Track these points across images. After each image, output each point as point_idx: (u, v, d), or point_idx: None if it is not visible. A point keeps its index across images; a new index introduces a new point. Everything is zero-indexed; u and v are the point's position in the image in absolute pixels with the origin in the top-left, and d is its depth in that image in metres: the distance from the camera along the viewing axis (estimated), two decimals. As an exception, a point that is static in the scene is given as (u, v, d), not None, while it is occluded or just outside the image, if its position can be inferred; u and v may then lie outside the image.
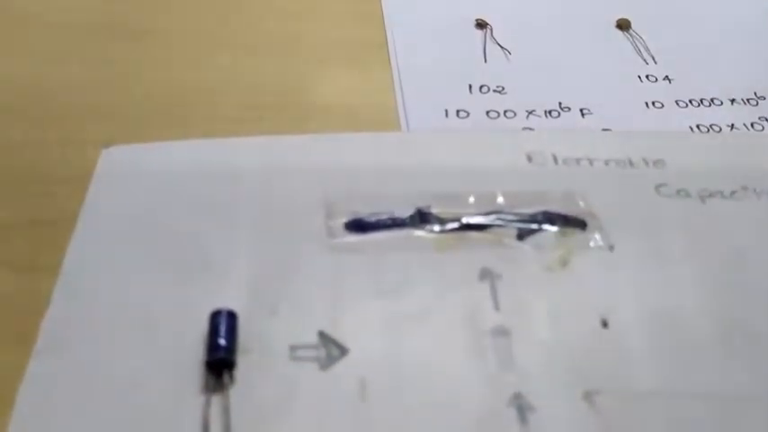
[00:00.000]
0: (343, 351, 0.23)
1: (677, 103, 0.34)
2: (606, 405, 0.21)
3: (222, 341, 0.22)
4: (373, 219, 0.26)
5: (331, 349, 0.23)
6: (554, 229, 0.26)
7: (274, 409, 0.21)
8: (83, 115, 0.32)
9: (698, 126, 0.33)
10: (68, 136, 0.30)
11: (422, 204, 0.27)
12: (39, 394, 0.22)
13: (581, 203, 0.27)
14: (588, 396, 0.22)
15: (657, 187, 0.28)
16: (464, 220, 0.26)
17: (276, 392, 0.22)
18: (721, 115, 0.33)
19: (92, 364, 0.22)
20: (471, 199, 0.27)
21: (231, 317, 0.23)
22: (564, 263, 0.25)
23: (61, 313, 0.24)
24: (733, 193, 0.28)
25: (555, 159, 0.29)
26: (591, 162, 0.29)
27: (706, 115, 0.33)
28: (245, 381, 0.22)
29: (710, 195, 0.28)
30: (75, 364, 0.22)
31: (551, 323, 0.23)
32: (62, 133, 0.31)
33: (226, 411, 0.21)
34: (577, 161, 0.29)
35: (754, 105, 0.35)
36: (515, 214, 0.27)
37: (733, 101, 0.35)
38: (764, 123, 0.34)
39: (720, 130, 0.32)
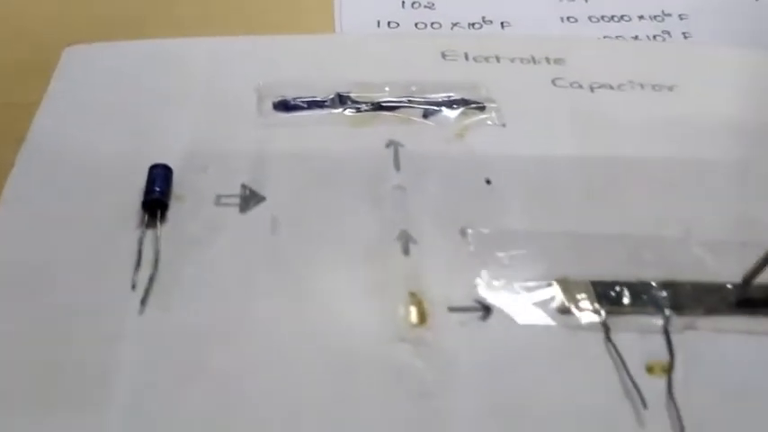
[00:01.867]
0: (260, 199, 0.27)
1: (590, 19, 0.38)
2: (477, 237, 0.26)
3: (157, 188, 0.26)
4: (298, 101, 0.31)
5: (250, 197, 0.27)
6: (456, 110, 0.31)
7: (199, 242, 0.25)
8: (46, 19, 0.35)
9: (605, 37, 0.37)
10: (33, 37, 0.34)
11: (342, 91, 0.31)
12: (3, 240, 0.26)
13: (483, 91, 0.31)
14: (463, 231, 0.26)
15: (554, 80, 0.32)
16: (377, 101, 0.30)
17: (201, 230, 0.26)
18: (628, 29, 0.37)
19: (51, 207, 0.26)
20: (387, 88, 0.31)
21: (167, 169, 0.27)
22: (460, 136, 0.29)
23: (24, 171, 0.28)
24: (620, 85, 0.32)
25: (466, 57, 0.33)
26: (498, 59, 0.33)
27: (614, 29, 0.37)
28: (175, 221, 0.26)
29: (600, 87, 0.32)
30: (37, 210, 0.26)
31: (442, 181, 0.27)
32: (27, 36, 0.35)
33: (157, 242, 0.25)
34: (486, 59, 0.33)
35: (660, 21, 0.38)
36: (424, 99, 0.31)
37: (641, 17, 0.38)
38: (666, 36, 0.37)
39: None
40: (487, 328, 0.23)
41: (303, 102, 0.31)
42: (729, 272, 0.25)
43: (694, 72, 0.33)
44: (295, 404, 0.21)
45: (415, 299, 0.24)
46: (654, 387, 0.22)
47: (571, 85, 0.32)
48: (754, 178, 0.29)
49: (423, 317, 0.23)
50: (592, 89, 0.32)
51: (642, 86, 0.32)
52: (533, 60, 0.33)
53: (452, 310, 0.23)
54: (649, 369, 0.22)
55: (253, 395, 0.22)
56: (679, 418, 0.21)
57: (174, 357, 0.22)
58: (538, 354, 0.23)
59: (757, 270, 0.24)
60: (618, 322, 0.24)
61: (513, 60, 0.33)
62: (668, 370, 0.22)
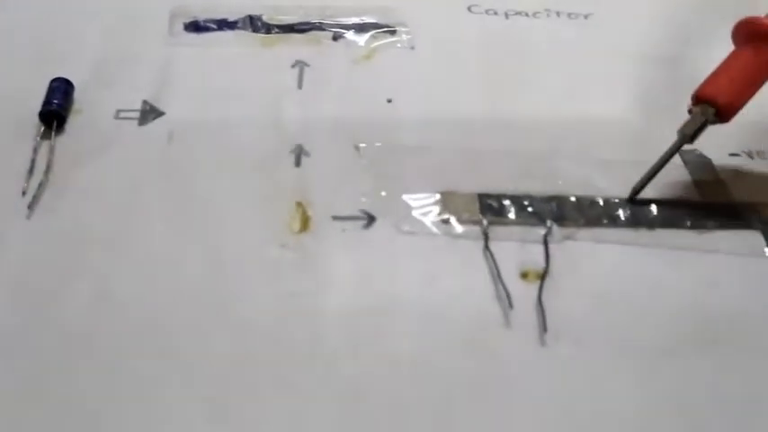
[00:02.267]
0: (159, 113, 0.27)
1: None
2: (369, 152, 0.26)
3: (55, 100, 0.26)
4: (208, 22, 0.31)
5: (149, 111, 0.27)
6: (367, 33, 0.31)
7: (94, 152, 0.26)
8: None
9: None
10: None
11: (255, 13, 0.31)
12: None
13: (396, 16, 0.31)
14: (356, 146, 0.26)
15: (470, 6, 0.32)
16: (289, 23, 0.30)
17: (98, 141, 0.26)
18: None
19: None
20: (301, 10, 0.31)
21: (67, 83, 0.27)
22: (368, 57, 0.30)
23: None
24: (536, 13, 0.32)
25: (385, -18, 0.33)
26: (417, -14, 0.33)
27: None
28: (73, 133, 0.26)
29: (516, 14, 0.32)
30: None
31: (343, 99, 0.28)
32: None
33: (51, 152, 0.25)
34: (405, -15, 0.33)
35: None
36: (335, 22, 0.31)
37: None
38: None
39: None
40: (369, 235, 0.24)
41: (213, 22, 0.31)
42: (617, 188, 0.25)
43: (611, 1, 0.33)
44: (170, 302, 0.22)
45: (301, 208, 0.24)
46: (526, 292, 0.22)
47: (486, 11, 0.32)
48: (653, 103, 0.29)
49: (306, 224, 0.24)
50: (507, 16, 0.32)
51: (558, 14, 0.33)
52: (452, -13, 0.34)
53: (336, 218, 0.24)
54: (524, 275, 0.23)
55: (130, 294, 0.22)
56: (543, 319, 0.22)
57: (57, 259, 0.23)
58: (415, 260, 0.23)
59: (642, 185, 0.25)
60: (501, 232, 0.24)
61: (431, -12, 0.34)
62: (542, 276, 0.23)
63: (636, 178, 0.25)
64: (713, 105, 0.24)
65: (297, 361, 0.21)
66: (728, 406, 0.21)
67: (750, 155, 0.27)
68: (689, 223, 0.25)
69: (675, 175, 0.26)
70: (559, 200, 0.25)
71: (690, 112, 0.24)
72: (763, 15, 0.25)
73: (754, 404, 0.21)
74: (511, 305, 0.22)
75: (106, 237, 0.23)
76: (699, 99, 0.24)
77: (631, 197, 0.25)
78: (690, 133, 0.24)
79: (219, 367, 0.20)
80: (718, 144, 0.27)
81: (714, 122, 0.24)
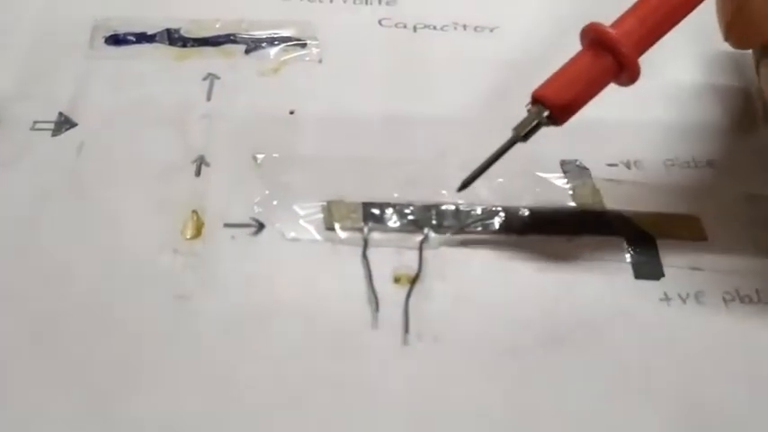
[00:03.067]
0: (72, 124, 0.29)
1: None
2: (266, 162, 0.27)
3: (-28, 111, 0.28)
4: (127, 35, 0.32)
5: (63, 122, 0.29)
6: (277, 47, 0.32)
7: (5, 163, 0.27)
8: None
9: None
10: None
11: (174, 26, 0.33)
12: None
13: (308, 30, 0.33)
14: (255, 156, 0.28)
15: (381, 20, 0.34)
16: (204, 36, 0.32)
17: (11, 152, 0.28)
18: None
19: None
20: (218, 24, 0.33)
21: (-15, 95, 0.29)
22: (276, 70, 0.31)
23: None
24: (444, 26, 0.34)
25: (300, -3, 0.35)
26: (331, 0, 0.35)
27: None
28: (-12, 143, 0.28)
29: (424, 27, 0.34)
30: None
31: (247, 111, 0.29)
32: None
33: (-34, 161, 0.27)
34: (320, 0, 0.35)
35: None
36: (248, 35, 0.32)
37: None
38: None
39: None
40: (256, 242, 0.25)
41: (133, 36, 0.32)
42: (497, 197, 0.27)
43: (518, 15, 0.35)
44: (64, 308, 0.23)
45: (196, 215, 0.26)
46: (396, 295, 0.24)
47: (396, 25, 0.34)
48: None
49: (198, 231, 0.26)
50: (415, 29, 0.34)
51: (465, 27, 0.34)
52: (366, 1, 0.35)
53: (228, 225, 0.26)
54: (396, 279, 0.25)
55: (28, 301, 0.23)
56: (406, 321, 0.24)
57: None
58: (297, 266, 0.25)
59: (472, 179, 0.25)
60: (381, 239, 0.26)
61: (345, 1, 0.35)
62: (413, 281, 0.25)
63: (517, 188, 0.27)
64: (547, 107, 0.24)
65: (176, 362, 0.23)
66: (566, 404, 0.23)
67: (627, 165, 0.29)
68: (559, 230, 0.27)
69: (553, 184, 0.28)
70: (439, 208, 0.27)
71: (527, 109, 0.25)
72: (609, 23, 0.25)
73: (591, 401, 0.23)
74: (377, 308, 0.24)
75: (6, 246, 0.25)
76: (535, 99, 0.24)
77: (460, 189, 0.25)
78: (522, 133, 0.24)
79: (102, 370, 0.22)
80: (597, 154, 0.29)
81: (547, 124, 0.24)
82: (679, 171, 0.29)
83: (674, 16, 0.25)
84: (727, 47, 0.27)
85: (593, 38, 0.24)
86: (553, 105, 0.24)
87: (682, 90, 0.32)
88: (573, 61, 0.25)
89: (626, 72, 0.24)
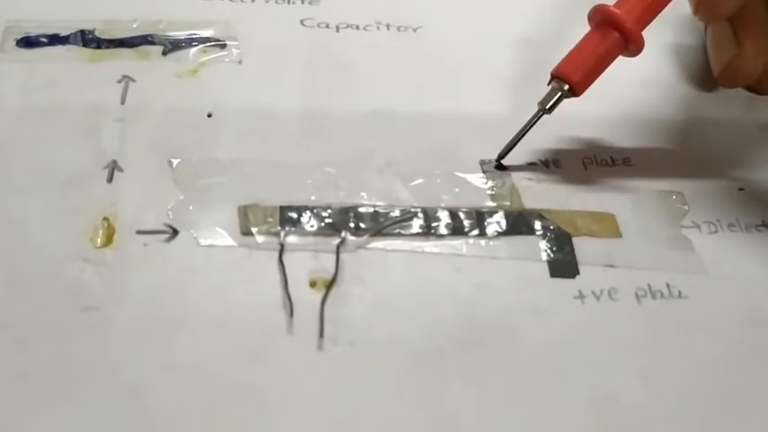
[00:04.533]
0: (-21, 129, 0.28)
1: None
2: (182, 167, 0.27)
3: None
4: (39, 37, 0.31)
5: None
6: (195, 48, 0.32)
7: None
8: None
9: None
10: None
11: (89, 27, 0.32)
12: None
13: (228, 31, 0.32)
14: (170, 161, 0.27)
15: (303, 20, 0.34)
16: (119, 37, 0.31)
17: None
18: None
19: None
20: (135, 25, 0.32)
21: None
22: (194, 72, 0.31)
23: None
24: (367, 26, 0.34)
25: (220, -4, 0.35)
26: (253, 0, 0.34)
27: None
28: None
29: (347, 27, 0.34)
30: None
31: (164, 115, 0.29)
32: None
33: None
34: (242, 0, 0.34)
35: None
36: (166, 36, 0.32)
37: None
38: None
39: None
40: (170, 248, 0.25)
41: (46, 38, 0.31)
42: (417, 198, 0.27)
43: (441, 14, 0.34)
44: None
45: (107, 222, 0.25)
46: (312, 300, 0.24)
47: (318, 25, 0.34)
48: (463, 118, 0.30)
49: (109, 239, 0.25)
50: (338, 29, 0.34)
51: (388, 27, 0.34)
52: (288, 1, 0.34)
53: (140, 232, 0.25)
54: (312, 284, 0.25)
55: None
56: (321, 325, 0.23)
57: None
58: (211, 272, 0.24)
59: (506, 152, 0.28)
60: (297, 243, 0.26)
61: (267, 1, 0.34)
62: (329, 285, 0.25)
63: (436, 188, 0.27)
64: (567, 82, 0.27)
65: (81, 373, 0.22)
66: (483, 406, 0.22)
67: (546, 164, 0.29)
68: (477, 231, 0.27)
69: (472, 184, 0.28)
70: (357, 210, 0.27)
71: (549, 85, 0.28)
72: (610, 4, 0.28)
73: (509, 401, 0.23)
74: (291, 313, 0.24)
75: None
76: (555, 76, 0.28)
77: (497, 161, 0.28)
78: (546, 106, 0.28)
79: (3, 386, 0.21)
80: (516, 153, 0.29)
81: (568, 96, 0.28)
82: (597, 169, 0.29)
83: None
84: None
85: (601, 18, 0.28)
86: (571, 80, 0.28)
87: (605, 87, 0.33)
88: (585, 40, 0.28)
89: (632, 45, 0.27)
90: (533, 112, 0.28)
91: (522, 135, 0.28)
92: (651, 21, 0.28)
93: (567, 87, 0.28)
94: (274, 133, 0.29)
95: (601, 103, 0.31)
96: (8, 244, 0.25)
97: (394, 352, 0.23)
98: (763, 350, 0.25)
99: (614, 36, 0.27)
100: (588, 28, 0.28)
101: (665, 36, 0.35)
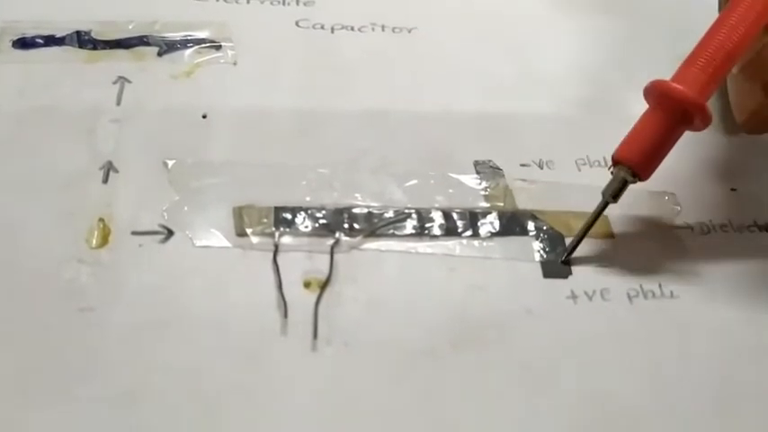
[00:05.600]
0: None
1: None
2: (177, 168, 0.27)
3: None
4: (36, 38, 0.31)
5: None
6: (191, 49, 0.32)
7: None
8: None
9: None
10: None
11: (84, 28, 0.32)
12: None
13: (223, 32, 0.32)
14: (165, 162, 0.27)
15: (298, 21, 0.34)
16: (115, 38, 0.31)
17: None
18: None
19: None
20: (131, 26, 0.32)
21: None
22: (189, 73, 0.31)
23: None
24: (362, 27, 0.34)
25: (215, -4, 0.35)
26: (248, 0, 0.34)
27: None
28: None
29: (342, 28, 0.34)
30: None
31: (159, 116, 0.29)
32: None
33: None
34: (237, 0, 0.35)
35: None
36: (161, 37, 0.32)
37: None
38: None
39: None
40: (165, 249, 0.25)
41: (41, 38, 0.32)
42: (411, 199, 0.27)
43: (436, 16, 0.35)
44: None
45: (102, 223, 0.26)
46: (307, 300, 0.24)
47: (313, 26, 0.34)
48: (459, 117, 0.30)
49: (105, 240, 0.25)
50: (333, 30, 0.34)
51: (383, 28, 0.34)
52: (283, 2, 0.35)
53: (136, 233, 0.25)
54: (306, 284, 0.25)
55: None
56: (315, 326, 0.23)
57: None
58: (206, 273, 0.25)
59: (573, 247, 0.26)
60: (292, 244, 0.26)
61: (262, 2, 0.35)
62: (323, 286, 0.25)
63: (430, 189, 0.27)
64: (631, 168, 0.25)
65: (77, 374, 0.22)
66: (477, 405, 0.23)
67: (540, 165, 0.29)
68: (470, 232, 0.27)
69: (466, 185, 0.28)
70: (351, 211, 0.27)
71: (611, 172, 0.26)
72: (669, 78, 0.26)
73: (502, 401, 0.23)
74: (285, 314, 0.24)
75: None
76: (618, 161, 0.26)
77: (564, 260, 0.26)
78: (611, 194, 0.26)
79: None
80: (510, 154, 0.29)
81: (633, 182, 0.26)
82: (590, 170, 0.29)
83: (736, 55, 0.26)
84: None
85: (660, 94, 0.25)
86: (637, 166, 0.26)
87: (595, 89, 0.33)
88: (646, 120, 0.26)
89: (698, 120, 0.26)
90: (599, 204, 0.26)
91: (588, 229, 0.26)
92: (715, 90, 0.26)
93: (631, 172, 0.26)
94: (269, 134, 0.29)
95: (594, 106, 0.31)
96: (3, 245, 0.25)
97: (388, 352, 0.24)
98: (755, 350, 0.25)
99: (677, 114, 0.25)
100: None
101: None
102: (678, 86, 0.25)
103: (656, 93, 0.26)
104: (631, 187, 0.28)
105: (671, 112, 0.26)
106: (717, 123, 0.32)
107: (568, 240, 0.27)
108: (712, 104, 0.33)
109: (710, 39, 0.26)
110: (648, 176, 0.26)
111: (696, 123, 0.26)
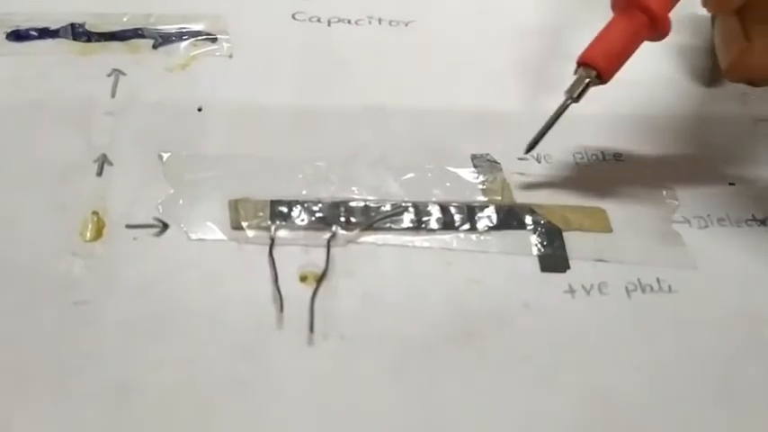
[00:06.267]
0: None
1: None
2: (172, 161, 0.27)
3: None
4: (29, 30, 0.31)
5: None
6: (186, 41, 0.31)
7: None
8: None
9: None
10: None
11: (78, 20, 0.32)
12: None
13: (219, 24, 0.32)
14: (160, 155, 0.27)
15: (294, 14, 0.34)
16: (110, 31, 0.31)
17: None
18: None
19: None
20: (126, 18, 0.32)
21: None
22: (184, 66, 0.31)
23: None
24: (358, 20, 0.34)
25: (212, -10, 0.34)
26: (243, -7, 0.34)
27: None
28: None
29: (338, 21, 0.33)
30: None
31: (154, 109, 0.29)
32: None
33: None
34: (232, -7, 0.34)
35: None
36: (156, 30, 0.32)
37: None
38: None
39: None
40: (159, 242, 0.25)
41: (36, 31, 0.31)
42: (408, 193, 0.27)
43: (433, 9, 0.34)
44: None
45: (96, 216, 0.25)
46: (303, 294, 0.24)
47: (310, 19, 0.34)
48: (458, 110, 0.30)
49: (99, 233, 0.25)
50: (329, 23, 0.34)
51: (380, 21, 0.34)
52: (277, -4, 0.35)
53: (130, 226, 0.25)
54: (303, 278, 0.24)
55: None
56: (311, 320, 0.23)
57: None
58: (201, 266, 0.24)
59: (535, 141, 0.27)
60: (288, 237, 0.26)
61: (256, -5, 0.35)
62: (319, 279, 0.25)
63: (427, 182, 0.27)
64: (594, 68, 0.27)
65: (71, 367, 0.22)
66: (476, 399, 0.23)
67: (537, 159, 0.29)
68: (468, 226, 0.27)
69: (464, 179, 0.28)
70: (347, 205, 0.27)
71: (575, 74, 0.27)
72: None
73: (501, 395, 0.23)
74: (281, 308, 0.24)
75: None
76: (581, 63, 0.27)
77: (527, 151, 0.27)
78: (574, 95, 0.27)
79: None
80: (507, 148, 0.29)
81: (596, 84, 0.27)
82: (587, 164, 0.29)
83: None
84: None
85: (625, 2, 0.27)
86: (599, 66, 0.27)
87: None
88: (610, 25, 0.27)
89: (659, 27, 0.27)
90: (562, 102, 0.27)
91: (551, 125, 0.27)
92: (676, 3, 0.27)
93: (594, 74, 0.27)
94: (265, 127, 0.29)
95: (591, 99, 0.31)
96: (2, 239, 0.25)
97: (384, 346, 0.23)
98: (753, 344, 0.25)
99: (641, 19, 0.27)
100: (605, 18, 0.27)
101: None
102: None
103: (621, 2, 0.27)
104: (629, 181, 0.28)
105: (634, 19, 0.27)
106: (717, 118, 0.32)
107: (566, 234, 0.27)
108: (709, 93, 0.33)
109: None
110: (609, 78, 0.27)
111: (655, 33, 0.27)
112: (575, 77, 0.27)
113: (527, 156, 0.29)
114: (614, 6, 0.28)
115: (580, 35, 0.33)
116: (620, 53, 0.27)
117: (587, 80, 0.27)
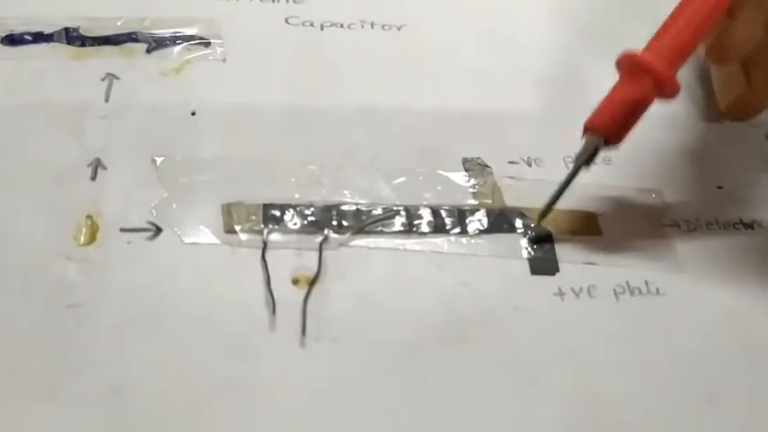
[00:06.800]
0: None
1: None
2: (166, 165, 0.27)
3: None
4: (24, 35, 0.31)
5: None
6: (180, 46, 0.32)
7: None
8: None
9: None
10: None
11: (73, 25, 0.32)
12: None
13: (213, 29, 0.32)
14: (153, 159, 0.27)
15: (287, 18, 0.34)
16: (104, 35, 0.31)
17: None
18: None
19: None
20: (120, 22, 0.32)
21: None
22: (178, 70, 0.31)
23: None
24: (351, 24, 0.34)
25: (209, -3, 0.35)
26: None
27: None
28: None
29: (331, 26, 0.34)
30: None
31: (147, 113, 0.29)
32: None
33: None
34: (228, -2, 0.35)
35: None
36: (150, 34, 0.32)
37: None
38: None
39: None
40: (153, 246, 0.25)
41: (30, 35, 0.31)
42: (399, 197, 0.27)
43: (425, 13, 0.34)
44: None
45: (90, 220, 0.26)
46: (295, 297, 0.24)
47: (303, 23, 0.34)
48: (449, 114, 0.30)
49: (92, 237, 0.25)
50: (322, 28, 0.34)
51: (372, 26, 0.34)
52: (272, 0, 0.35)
53: (124, 230, 0.25)
54: (295, 281, 0.25)
55: None
56: (303, 323, 0.24)
57: None
58: (194, 270, 0.25)
59: (546, 210, 0.26)
60: (281, 241, 0.26)
61: (252, 0, 0.35)
62: (311, 283, 0.25)
63: (418, 186, 0.28)
64: (602, 136, 0.26)
65: (65, 370, 0.22)
66: (466, 401, 0.23)
67: (528, 162, 0.29)
68: (458, 229, 0.27)
69: (455, 182, 0.28)
70: (339, 208, 0.27)
71: (582, 138, 0.26)
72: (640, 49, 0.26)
73: (491, 397, 0.23)
74: (274, 311, 0.24)
75: None
76: (588, 129, 0.26)
77: (539, 221, 0.27)
78: (583, 160, 0.26)
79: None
80: (498, 151, 0.29)
81: (605, 148, 0.26)
82: (578, 168, 0.30)
83: (702, 31, 0.26)
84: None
85: (630, 65, 0.26)
86: (607, 133, 0.26)
87: (583, 87, 0.33)
88: (616, 89, 0.26)
89: (666, 91, 0.26)
90: (571, 169, 0.26)
91: (562, 192, 0.26)
92: (684, 62, 0.27)
93: (602, 140, 0.26)
94: (258, 131, 0.29)
95: (582, 104, 0.31)
96: (-7, 243, 0.25)
97: (376, 349, 0.24)
98: (740, 346, 0.25)
99: (647, 82, 0.26)
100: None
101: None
102: (648, 58, 0.26)
103: (627, 64, 0.26)
104: (619, 185, 0.29)
105: (640, 83, 0.26)
106: (704, 122, 0.32)
107: (556, 238, 0.27)
108: (696, 94, 0.33)
109: (680, 13, 0.26)
110: (619, 142, 0.26)
111: (666, 93, 0.26)
112: (582, 142, 0.26)
113: (518, 159, 0.29)
114: (619, 67, 0.27)
115: (577, 36, 0.34)
116: (627, 117, 0.26)
117: (596, 146, 0.26)
